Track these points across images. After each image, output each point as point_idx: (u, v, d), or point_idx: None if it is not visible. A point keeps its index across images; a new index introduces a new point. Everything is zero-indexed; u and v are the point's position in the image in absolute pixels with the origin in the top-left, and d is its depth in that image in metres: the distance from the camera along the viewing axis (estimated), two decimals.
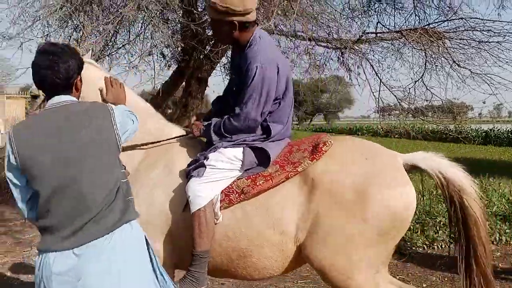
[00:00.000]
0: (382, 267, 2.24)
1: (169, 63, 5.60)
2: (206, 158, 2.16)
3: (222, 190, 2.16)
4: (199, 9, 4.80)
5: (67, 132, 1.65)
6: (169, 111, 7.54)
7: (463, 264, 2.14)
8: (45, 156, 1.62)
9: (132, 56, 5.26)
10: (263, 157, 2.19)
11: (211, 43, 4.97)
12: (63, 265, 1.61)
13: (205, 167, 2.12)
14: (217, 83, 5.92)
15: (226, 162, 2.17)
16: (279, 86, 2.17)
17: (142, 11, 4.37)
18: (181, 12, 5.09)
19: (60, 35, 4.07)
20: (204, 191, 2.09)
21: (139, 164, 2.30)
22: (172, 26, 5.12)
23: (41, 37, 4.16)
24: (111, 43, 5.25)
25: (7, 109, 18.58)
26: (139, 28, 5.00)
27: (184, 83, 5.60)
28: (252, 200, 2.15)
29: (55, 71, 1.68)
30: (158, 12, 4.39)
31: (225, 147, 2.20)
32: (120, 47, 5.39)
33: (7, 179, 1.70)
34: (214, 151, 2.19)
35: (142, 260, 1.76)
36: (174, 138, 2.38)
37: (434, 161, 2.18)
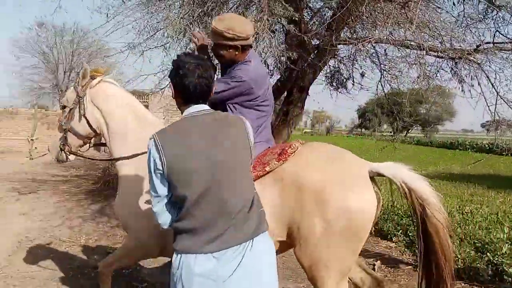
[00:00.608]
0: (346, 276, 2.36)
1: (271, 72, 5.70)
2: None
3: None
4: (305, 18, 4.83)
5: (214, 138, 1.73)
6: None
7: (421, 270, 2.29)
8: (194, 161, 1.69)
9: None
10: None
11: (315, 52, 4.99)
12: (204, 267, 1.68)
13: None
14: (317, 91, 5.93)
15: None
16: (255, 97, 2.51)
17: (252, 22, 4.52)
18: (286, 21, 5.13)
19: (178, 45, 4.38)
20: None
21: (141, 171, 2.61)
22: (276, 36, 5.21)
23: (161, 46, 4.50)
24: None
25: None
26: None
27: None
28: None
29: (204, 79, 1.77)
30: (265, 23, 4.50)
31: None
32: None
33: (151, 186, 1.78)
34: None
35: (274, 267, 1.86)
36: None
37: (400, 171, 2.31)
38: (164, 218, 1.81)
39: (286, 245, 2.39)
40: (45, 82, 34.04)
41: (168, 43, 4.61)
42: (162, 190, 1.77)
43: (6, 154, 15.79)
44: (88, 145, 3.06)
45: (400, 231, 5.79)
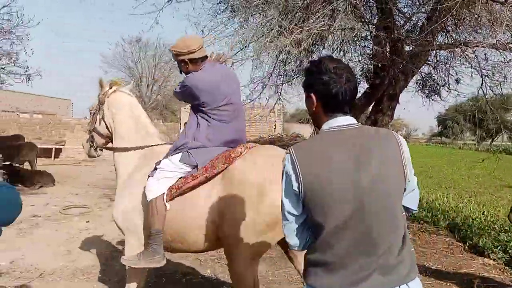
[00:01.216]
0: (257, 258, 2.83)
1: (359, 80, 5.53)
2: (159, 163, 2.90)
3: (170, 186, 2.84)
4: (397, 23, 4.62)
5: (363, 158, 1.47)
6: None
7: None
8: (337, 185, 1.45)
9: None
10: (194, 162, 2.85)
11: (409, 58, 4.74)
12: None
13: (157, 169, 2.88)
14: (407, 99, 5.65)
15: (173, 166, 2.87)
16: (201, 102, 2.87)
17: (337, 31, 4.42)
18: (374, 28, 4.92)
19: (268, 54, 4.41)
20: (153, 186, 2.84)
21: (132, 170, 3.18)
22: (365, 44, 5.04)
23: (251, 57, 4.55)
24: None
25: None
26: (333, 45, 5.05)
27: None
28: (187, 195, 2.82)
29: (352, 83, 1.58)
30: (353, 31, 4.36)
31: (172, 155, 2.91)
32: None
33: (282, 205, 1.59)
34: (165, 158, 2.93)
35: None
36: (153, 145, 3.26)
37: None
38: (295, 241, 1.62)
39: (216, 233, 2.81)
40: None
41: (256, 55, 4.64)
42: (295, 212, 1.57)
43: (96, 162, 16.94)
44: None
45: (499, 247, 5.29)
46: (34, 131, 21.24)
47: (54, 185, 10.71)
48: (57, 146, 20.04)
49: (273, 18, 3.87)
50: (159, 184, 2.85)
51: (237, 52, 4.48)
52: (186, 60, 2.89)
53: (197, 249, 2.98)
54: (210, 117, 2.89)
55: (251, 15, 4.55)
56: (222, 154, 2.85)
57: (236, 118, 3.02)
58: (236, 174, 2.73)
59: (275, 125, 20.43)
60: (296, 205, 1.57)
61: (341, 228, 1.46)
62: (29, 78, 7.93)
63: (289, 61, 4.68)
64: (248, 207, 2.65)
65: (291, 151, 1.57)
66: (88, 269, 4.63)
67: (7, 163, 10.69)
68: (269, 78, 4.84)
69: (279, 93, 4.81)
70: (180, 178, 2.85)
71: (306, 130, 26.22)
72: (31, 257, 4.97)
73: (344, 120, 1.57)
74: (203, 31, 4.78)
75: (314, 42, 4.61)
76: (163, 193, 2.84)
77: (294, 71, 5.20)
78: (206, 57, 3.00)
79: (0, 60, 7.50)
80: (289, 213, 1.59)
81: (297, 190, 1.52)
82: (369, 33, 5.05)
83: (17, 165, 11.11)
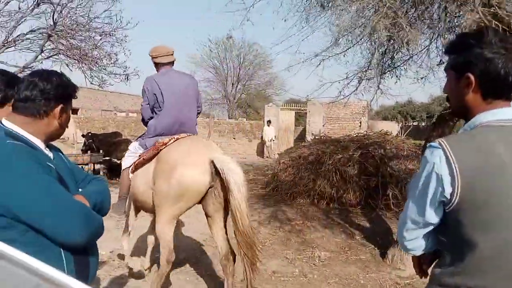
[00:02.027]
0: (174, 220, 3.53)
1: None
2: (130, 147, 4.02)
3: (133, 162, 3.81)
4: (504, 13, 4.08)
5: None
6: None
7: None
8: (508, 187, 1.17)
9: (420, 67, 4.97)
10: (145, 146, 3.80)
11: None
12: None
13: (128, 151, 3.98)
14: None
15: (134, 149, 3.90)
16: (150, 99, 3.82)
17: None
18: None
19: (360, 51, 4.18)
20: (124, 162, 3.95)
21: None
22: None
23: (341, 53, 4.34)
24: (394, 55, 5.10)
25: (280, 118, 21.06)
26: (427, 41, 4.64)
27: None
28: (139, 169, 3.73)
29: None
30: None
31: (135, 141, 4.03)
32: (408, 59, 5.14)
33: (413, 205, 1.35)
34: (134, 144, 3.98)
35: None
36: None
37: (222, 164, 3.29)
38: (416, 244, 1.41)
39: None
40: (216, 93, 37.47)
41: (348, 49, 4.42)
42: (432, 218, 1.31)
43: None
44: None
45: None
46: (129, 128, 22.78)
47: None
48: None
49: (377, 9, 3.59)
50: (126, 160, 3.91)
51: (327, 48, 4.28)
52: (154, 62, 3.95)
53: (151, 211, 3.78)
54: (156, 113, 3.82)
55: (346, 7, 4.31)
56: (156, 142, 3.67)
57: (177, 113, 3.75)
58: (161, 156, 3.52)
59: (360, 123, 19.74)
60: (435, 213, 1.30)
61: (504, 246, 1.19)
62: (127, 78, 8.42)
63: (387, 53, 4.36)
64: (164, 180, 3.36)
65: (444, 145, 1.24)
66: (181, 262, 4.75)
67: (107, 158, 11.51)
68: (365, 71, 4.56)
69: (377, 87, 4.50)
70: (139, 157, 3.77)
71: (392, 127, 25.03)
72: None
73: (510, 113, 1.26)
74: (296, 25, 4.62)
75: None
76: (128, 167, 3.85)
77: (389, 64, 4.86)
78: (169, 63, 3.90)
79: (101, 60, 8.03)
80: (421, 217, 1.34)
81: (447, 196, 1.23)
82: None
83: (115, 160, 11.89)
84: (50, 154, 1.63)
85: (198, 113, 4.04)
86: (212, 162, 3.29)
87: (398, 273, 4.63)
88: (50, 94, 1.57)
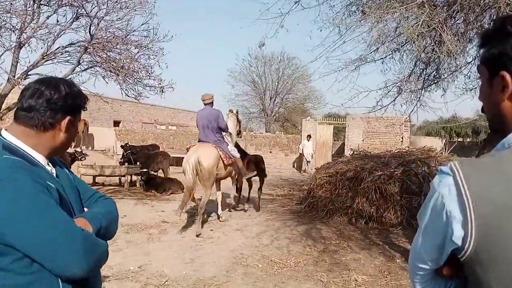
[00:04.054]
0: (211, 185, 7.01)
1: None
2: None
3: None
4: None
5: None
6: None
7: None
8: None
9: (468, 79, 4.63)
10: None
11: None
12: None
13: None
14: None
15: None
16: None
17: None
18: None
19: (403, 56, 3.90)
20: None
21: None
22: None
23: (379, 59, 4.09)
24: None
25: (318, 132, 20.72)
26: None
27: None
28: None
29: None
30: None
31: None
32: (455, 70, 4.81)
33: (416, 251, 1.05)
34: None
35: None
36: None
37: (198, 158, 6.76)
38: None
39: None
40: (254, 107, 37.60)
41: (386, 56, 4.15)
42: (435, 261, 1.01)
43: None
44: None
45: None
46: (168, 141, 23.12)
47: (183, 192, 11.28)
48: None
49: (420, 13, 3.33)
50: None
51: (370, 53, 4.03)
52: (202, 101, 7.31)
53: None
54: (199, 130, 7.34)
55: (383, 16, 4.06)
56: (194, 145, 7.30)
57: (202, 132, 7.21)
58: (191, 155, 6.82)
59: (402, 138, 19.05)
60: (438, 256, 0.99)
61: None
62: (162, 90, 8.45)
63: (431, 63, 4.06)
64: (199, 166, 6.69)
65: (456, 171, 0.93)
66: (209, 280, 4.57)
67: (144, 170, 11.62)
68: (405, 81, 4.26)
69: (418, 99, 4.19)
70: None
71: (435, 143, 24.03)
72: (157, 263, 5.10)
73: None
74: (339, 30, 4.40)
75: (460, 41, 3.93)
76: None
77: (434, 75, 4.54)
78: (209, 103, 7.26)
79: (137, 73, 8.10)
80: (427, 261, 1.02)
81: (457, 242, 0.92)
82: None
83: (152, 172, 11.99)
84: (53, 171, 1.47)
85: (222, 130, 7.33)
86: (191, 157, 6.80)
87: None
88: (58, 104, 1.41)
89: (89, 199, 1.59)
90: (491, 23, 0.96)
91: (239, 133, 8.85)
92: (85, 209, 1.54)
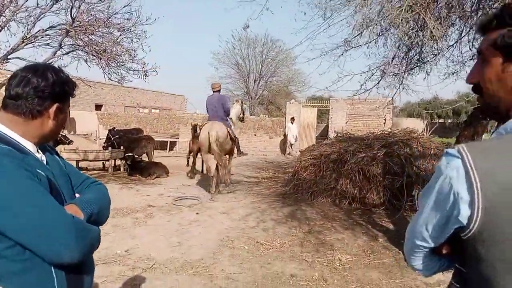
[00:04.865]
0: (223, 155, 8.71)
1: None
2: None
3: None
4: None
5: None
6: None
7: None
8: None
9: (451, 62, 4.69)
10: None
11: None
12: None
13: None
14: None
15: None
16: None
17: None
18: None
19: (387, 40, 3.94)
20: None
21: None
22: None
23: (365, 44, 4.12)
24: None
25: (302, 115, 20.81)
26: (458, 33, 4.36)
27: None
28: None
29: None
30: None
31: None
32: (437, 54, 4.87)
33: (419, 225, 1.10)
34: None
35: None
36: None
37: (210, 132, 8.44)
38: (426, 266, 1.17)
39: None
40: (238, 90, 37.47)
41: (371, 41, 4.18)
42: (436, 239, 1.08)
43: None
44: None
45: None
46: (151, 124, 22.93)
47: (168, 176, 11.29)
48: (172, 139, 21.37)
49: None
50: None
51: (354, 37, 4.06)
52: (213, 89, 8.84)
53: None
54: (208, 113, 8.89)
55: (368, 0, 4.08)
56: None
57: (212, 114, 8.67)
58: (205, 130, 8.56)
59: (385, 120, 19.30)
60: (440, 234, 1.06)
61: None
62: (146, 74, 8.35)
63: (414, 46, 4.11)
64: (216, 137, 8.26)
65: (465, 154, 0.97)
66: (196, 262, 4.63)
67: (129, 154, 11.55)
68: (389, 65, 4.31)
69: (401, 82, 4.25)
70: None
71: (417, 125, 24.40)
72: (144, 246, 5.14)
73: None
74: (324, 16, 4.41)
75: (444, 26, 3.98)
76: None
77: (417, 58, 4.60)
78: (217, 91, 8.81)
79: (120, 57, 7.98)
80: (427, 239, 1.09)
81: (463, 221, 0.98)
82: None
83: (136, 156, 11.93)
84: (43, 158, 1.48)
85: (228, 114, 8.88)
86: (208, 132, 8.28)
87: (424, 279, 4.38)
88: (45, 92, 1.39)
89: (80, 185, 1.61)
90: (503, 6, 0.97)
91: (242, 119, 10.67)
92: (77, 195, 1.55)
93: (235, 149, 9.62)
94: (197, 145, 11.45)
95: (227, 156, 9.26)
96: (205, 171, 10.54)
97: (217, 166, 8.75)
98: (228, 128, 8.72)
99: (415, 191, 7.03)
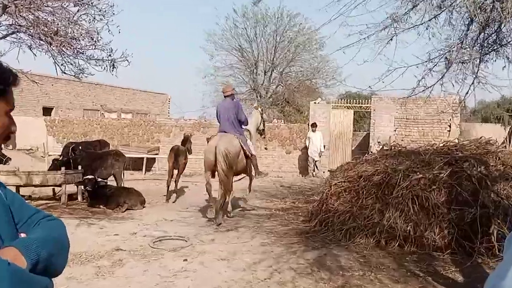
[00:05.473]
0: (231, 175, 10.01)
1: None
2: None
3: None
4: None
5: None
6: None
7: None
8: None
9: None
10: None
11: None
12: None
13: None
14: None
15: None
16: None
17: None
18: None
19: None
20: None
21: None
22: None
23: (421, 23, 4.11)
24: None
25: (332, 119, 20.79)
26: None
27: None
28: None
29: None
30: None
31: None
32: None
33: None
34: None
35: None
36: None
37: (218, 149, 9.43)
38: None
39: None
40: (242, 85, 37.36)
41: (432, 18, 4.17)
42: None
43: (200, 176, 17.63)
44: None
45: None
46: (121, 135, 23.05)
47: (144, 207, 11.31)
48: (150, 156, 21.46)
49: None
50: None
51: (407, 12, 4.03)
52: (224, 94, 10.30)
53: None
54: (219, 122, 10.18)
55: None
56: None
57: (223, 124, 9.79)
58: (212, 143, 9.66)
59: (450, 126, 19.21)
60: None
61: None
62: (113, 65, 8.41)
63: (489, 23, 4.08)
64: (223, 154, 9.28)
65: None
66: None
67: (89, 176, 11.59)
68: (456, 50, 4.29)
69: (474, 73, 4.21)
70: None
71: (496, 133, 24.22)
72: None
73: None
74: None
75: None
76: None
77: (494, 40, 4.58)
78: (229, 95, 10.05)
79: (78, 41, 8.06)
80: None
81: None
82: None
83: (100, 179, 11.99)
84: None
85: (242, 123, 9.91)
86: (216, 147, 9.26)
87: None
88: None
89: (27, 222, 1.61)
90: None
91: (262, 133, 11.86)
92: (22, 235, 1.55)
93: (253, 168, 10.34)
94: (173, 162, 12.64)
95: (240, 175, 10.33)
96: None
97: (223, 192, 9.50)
98: (242, 143, 9.61)
99: (494, 228, 6.96)
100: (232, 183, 9.88)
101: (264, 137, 12.68)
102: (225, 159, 9.10)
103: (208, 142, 10.07)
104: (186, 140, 13.16)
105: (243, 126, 10.11)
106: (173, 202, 12.43)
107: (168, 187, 12.58)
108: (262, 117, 11.50)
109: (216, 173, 9.55)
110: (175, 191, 13.05)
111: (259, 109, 11.80)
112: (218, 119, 9.98)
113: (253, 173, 10.56)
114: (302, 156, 20.86)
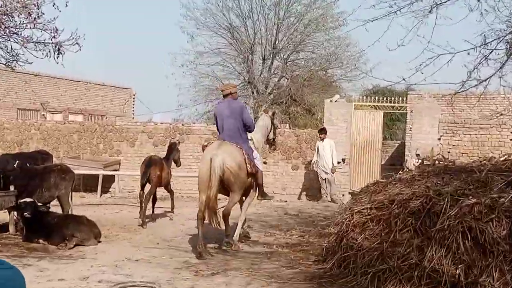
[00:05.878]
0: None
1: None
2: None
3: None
4: None
5: None
6: None
7: None
8: None
9: None
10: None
11: None
12: None
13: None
14: None
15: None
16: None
17: None
18: None
19: None
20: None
21: None
22: None
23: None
24: None
25: (355, 123, 20.74)
26: None
27: None
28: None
29: None
30: None
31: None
32: None
33: None
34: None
35: None
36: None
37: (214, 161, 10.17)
38: None
39: None
40: (233, 76, 37.19)
41: None
42: None
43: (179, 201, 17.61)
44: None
45: None
46: (69, 144, 22.99)
47: (100, 241, 11.29)
48: (108, 172, 21.38)
49: None
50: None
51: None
52: (222, 95, 11.49)
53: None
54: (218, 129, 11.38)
55: None
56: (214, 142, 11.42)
57: (225, 131, 10.53)
58: (208, 152, 10.49)
59: None
60: None
61: None
62: (58, 50, 8.43)
63: None
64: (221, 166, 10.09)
65: None
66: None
67: (27, 200, 11.52)
68: None
69: None
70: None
71: None
72: None
73: None
74: None
75: None
76: None
77: None
78: (228, 94, 10.84)
79: (11, 17, 8.07)
80: None
81: None
82: None
83: (40, 204, 11.93)
84: None
85: (247, 128, 10.55)
86: (211, 158, 9.88)
87: None
88: None
89: None
90: None
91: (272, 144, 12.48)
92: None
93: (255, 188, 10.82)
94: (145, 174, 13.14)
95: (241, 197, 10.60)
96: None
97: (224, 215, 10.32)
98: (245, 154, 10.05)
99: None
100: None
101: (275, 149, 13.04)
102: (221, 174, 9.46)
103: (203, 150, 10.60)
104: (171, 149, 13.23)
105: (247, 133, 10.49)
106: (140, 234, 12.40)
107: (141, 207, 12.62)
108: (273, 123, 11.74)
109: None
110: (148, 217, 13.08)
111: (270, 112, 11.98)
112: (216, 125, 10.51)
113: (255, 195, 10.83)
114: (312, 174, 20.68)
